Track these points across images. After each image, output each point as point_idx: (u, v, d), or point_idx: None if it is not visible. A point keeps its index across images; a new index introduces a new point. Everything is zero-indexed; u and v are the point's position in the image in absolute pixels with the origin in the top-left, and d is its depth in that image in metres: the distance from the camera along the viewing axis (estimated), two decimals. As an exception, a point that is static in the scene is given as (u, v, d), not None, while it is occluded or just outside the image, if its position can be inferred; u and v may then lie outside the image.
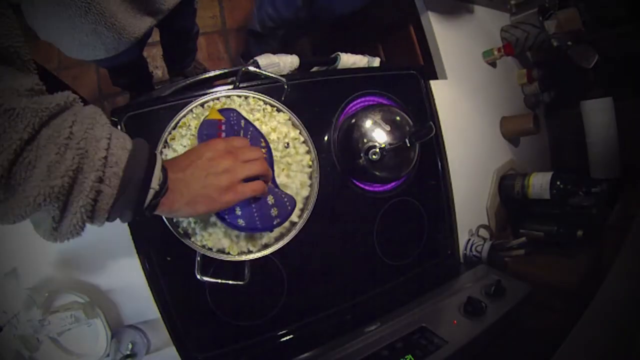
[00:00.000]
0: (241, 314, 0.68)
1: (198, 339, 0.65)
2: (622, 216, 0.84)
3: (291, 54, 0.77)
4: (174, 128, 0.57)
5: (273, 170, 0.57)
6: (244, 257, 0.56)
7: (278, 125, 0.63)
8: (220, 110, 0.56)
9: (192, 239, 0.54)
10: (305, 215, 0.61)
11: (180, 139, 0.57)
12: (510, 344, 0.73)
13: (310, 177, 0.64)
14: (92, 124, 0.35)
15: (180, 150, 0.56)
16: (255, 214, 0.51)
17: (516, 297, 0.73)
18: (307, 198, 0.63)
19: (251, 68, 0.66)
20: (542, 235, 0.96)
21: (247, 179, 0.47)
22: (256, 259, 0.57)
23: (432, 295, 0.76)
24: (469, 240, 0.92)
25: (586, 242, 0.89)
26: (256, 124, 0.60)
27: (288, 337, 0.70)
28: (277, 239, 0.59)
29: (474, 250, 0.90)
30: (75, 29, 0.61)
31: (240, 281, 0.56)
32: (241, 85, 0.65)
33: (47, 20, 0.62)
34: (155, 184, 0.39)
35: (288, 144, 0.63)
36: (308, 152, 0.65)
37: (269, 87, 0.68)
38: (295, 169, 0.63)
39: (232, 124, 0.55)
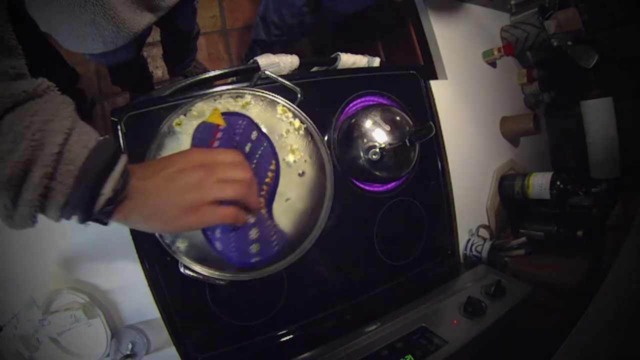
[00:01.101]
0: (241, 314, 0.68)
1: (198, 339, 0.65)
2: (622, 216, 0.84)
3: (291, 54, 0.77)
4: (184, 114, 0.52)
5: (273, 199, 0.49)
6: (217, 278, 0.50)
7: (299, 148, 0.55)
8: (227, 115, 0.49)
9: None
10: (305, 245, 0.54)
11: (187, 126, 0.51)
12: (510, 344, 0.73)
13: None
14: (53, 116, 0.33)
15: (185, 141, 0.51)
16: (232, 244, 0.45)
17: (516, 297, 0.73)
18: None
19: (267, 72, 0.62)
20: (542, 235, 0.96)
21: (227, 202, 0.40)
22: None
23: (432, 295, 0.76)
24: (469, 240, 0.92)
25: (586, 242, 0.89)
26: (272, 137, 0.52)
27: (288, 337, 0.70)
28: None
29: (474, 250, 0.90)
30: (73, 18, 0.61)
31: (221, 281, 0.54)
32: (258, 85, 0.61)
33: (46, 8, 0.62)
34: (108, 189, 0.35)
35: (304, 172, 0.55)
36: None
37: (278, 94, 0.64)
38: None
39: (233, 134, 0.48)
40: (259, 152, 0.49)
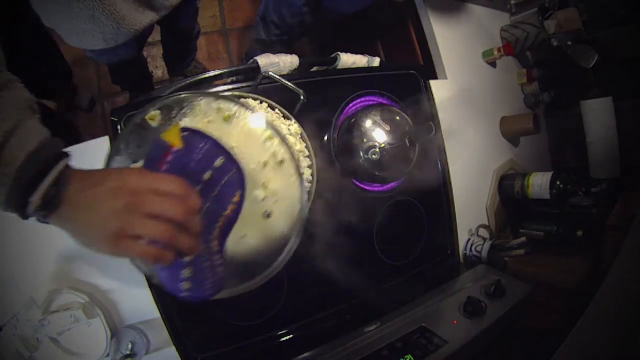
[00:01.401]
0: (241, 314, 0.68)
1: (198, 339, 0.65)
2: (622, 216, 0.84)
3: (291, 54, 0.77)
4: (159, 109, 0.46)
5: (229, 232, 0.44)
6: None
7: (273, 185, 0.48)
8: (189, 133, 0.42)
9: None
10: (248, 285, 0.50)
11: (162, 125, 0.45)
12: (510, 344, 0.73)
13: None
14: None
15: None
16: (165, 274, 0.42)
17: (516, 297, 0.73)
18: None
19: (271, 73, 0.61)
20: (542, 235, 0.96)
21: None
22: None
23: (432, 295, 0.76)
24: (469, 240, 0.92)
25: (586, 242, 0.89)
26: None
27: (288, 337, 0.70)
28: None
29: (474, 250, 0.90)
30: (72, 14, 0.62)
31: None
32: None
33: (47, 6, 0.63)
34: (37, 197, 0.34)
35: (270, 214, 0.48)
36: (310, 166, 0.63)
37: (281, 96, 0.64)
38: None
39: (188, 159, 0.41)
40: (225, 179, 0.42)
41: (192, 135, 0.41)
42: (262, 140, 0.47)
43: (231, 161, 0.43)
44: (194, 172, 0.40)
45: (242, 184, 0.44)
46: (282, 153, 0.48)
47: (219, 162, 0.42)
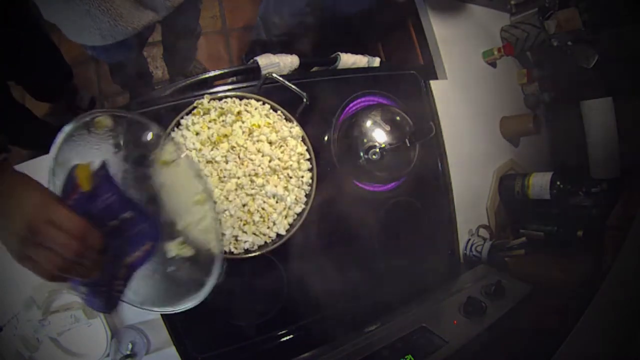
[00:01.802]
0: (241, 314, 0.68)
1: (198, 339, 0.65)
2: (622, 216, 0.84)
3: (291, 54, 0.77)
4: (112, 117, 0.43)
5: (137, 268, 0.43)
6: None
7: (190, 247, 0.46)
8: (103, 175, 0.40)
9: None
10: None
11: (107, 131, 0.43)
12: (510, 344, 0.73)
13: (307, 196, 0.63)
14: None
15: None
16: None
17: (516, 297, 0.73)
18: (299, 214, 0.63)
19: (274, 75, 0.62)
20: (542, 235, 0.96)
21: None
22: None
23: (432, 295, 0.76)
24: (469, 240, 0.92)
25: (586, 242, 0.89)
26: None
27: (288, 337, 0.70)
28: (261, 247, 0.60)
29: (474, 250, 0.90)
30: (69, 8, 0.62)
31: None
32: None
33: (47, 4, 0.63)
34: None
35: (175, 271, 0.47)
36: (310, 169, 0.65)
37: (283, 97, 0.66)
38: (295, 183, 0.63)
39: (91, 206, 0.39)
40: (135, 230, 0.41)
41: (103, 181, 0.40)
42: (192, 201, 0.44)
43: (142, 217, 0.41)
44: (98, 217, 0.40)
45: (156, 237, 0.42)
46: (209, 220, 0.44)
47: (128, 214, 0.41)
